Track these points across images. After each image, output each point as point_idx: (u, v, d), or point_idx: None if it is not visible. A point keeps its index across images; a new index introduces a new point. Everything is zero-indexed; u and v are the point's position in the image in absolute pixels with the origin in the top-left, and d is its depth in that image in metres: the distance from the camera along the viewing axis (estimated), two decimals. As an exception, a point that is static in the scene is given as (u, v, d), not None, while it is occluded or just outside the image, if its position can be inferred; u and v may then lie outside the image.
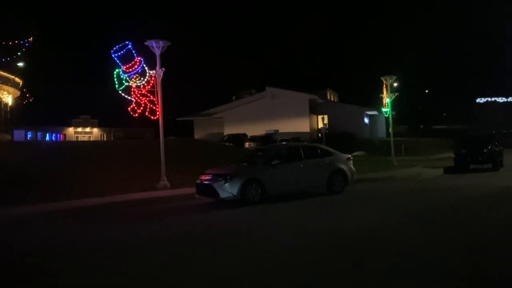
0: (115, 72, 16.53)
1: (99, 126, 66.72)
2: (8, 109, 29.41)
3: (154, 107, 17.14)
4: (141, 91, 16.96)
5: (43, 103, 61.67)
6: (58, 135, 31.39)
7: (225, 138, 44.29)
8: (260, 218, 11.40)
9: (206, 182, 13.58)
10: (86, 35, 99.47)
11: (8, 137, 26.13)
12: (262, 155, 15.16)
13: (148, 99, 17.07)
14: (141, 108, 16.95)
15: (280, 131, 48.54)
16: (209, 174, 13.80)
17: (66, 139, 57.34)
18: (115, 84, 16.58)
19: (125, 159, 21.61)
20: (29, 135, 26.81)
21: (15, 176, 16.54)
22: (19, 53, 18.70)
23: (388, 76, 29.35)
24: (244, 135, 44.84)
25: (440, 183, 17.81)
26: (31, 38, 18.55)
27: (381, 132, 57.43)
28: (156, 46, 17.06)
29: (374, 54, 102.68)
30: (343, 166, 15.26)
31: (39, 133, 27.96)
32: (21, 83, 29.61)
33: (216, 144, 34.79)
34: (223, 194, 13.15)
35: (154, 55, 17.12)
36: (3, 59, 18.51)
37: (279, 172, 13.93)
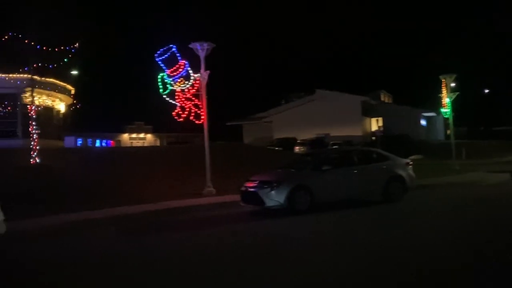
0: (159, 76, 16.12)
1: (152, 132, 67.94)
2: (61, 116, 29.99)
3: (199, 111, 16.59)
4: (186, 95, 16.45)
5: (96, 110, 62.96)
6: (108, 141, 31.68)
7: (274, 143, 43.56)
8: (309, 229, 10.47)
9: (251, 189, 12.78)
10: (132, 39, 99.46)
11: (60, 143, 26.58)
12: (311, 160, 14.23)
13: (192, 103, 16.54)
14: (186, 112, 16.43)
15: (331, 135, 47.25)
16: (254, 180, 12.99)
17: (121, 145, 58.79)
18: (159, 88, 16.16)
19: (172, 164, 21.27)
20: (79, 142, 27.14)
21: (62, 183, 16.47)
22: (65, 60, 18.70)
23: (447, 75, 27.60)
24: (294, 139, 43.89)
25: (509, 190, 16.14)
26: (77, 44, 18.51)
27: (439, 134, 54.82)
28: (201, 49, 16.52)
29: (430, 52, 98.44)
30: (401, 172, 14.00)
31: (89, 139, 28.31)
32: (73, 91, 30.13)
33: (265, 148, 34.05)
34: (269, 203, 12.31)
35: (199, 57, 16.60)
36: (50, 66, 18.55)
37: (330, 178, 12.91)
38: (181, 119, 16.35)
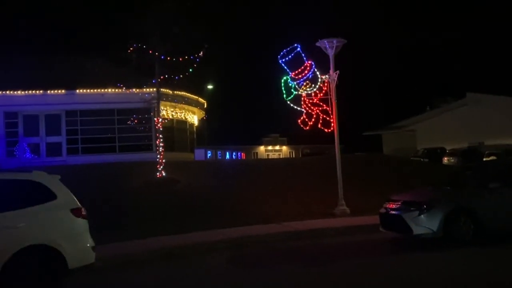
0: (282, 80, 14.36)
1: (288, 143, 67.65)
2: (194, 129, 30.15)
3: (328, 118, 14.44)
4: (313, 100, 14.45)
5: (228, 122, 63.31)
6: (239, 153, 31.06)
7: (418, 153, 39.56)
8: (480, 271, 7.59)
9: (394, 212, 10.19)
10: (257, 43, 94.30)
11: (192, 156, 26.51)
12: (473, 175, 11.12)
13: (320, 108, 14.46)
14: (313, 119, 14.41)
15: (485, 143, 41.43)
16: (397, 200, 10.36)
17: (257, 157, 59.31)
18: (283, 93, 14.40)
19: (303, 178, 19.37)
20: (209, 154, 26.82)
21: (183, 198, 15.62)
22: (190, 70, 17.99)
23: None
24: (442, 149, 39.27)
25: None
26: (201, 53, 17.68)
27: None
28: (329, 46, 14.45)
29: None
30: None
31: (218, 152, 27.87)
32: (205, 104, 30.14)
33: (408, 160, 30.46)
34: (417, 230, 9.59)
35: (327, 57, 14.55)
36: (176, 77, 17.95)
37: (502, 199, 9.73)
38: (308, 128, 14.38)
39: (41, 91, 23.65)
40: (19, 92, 23.43)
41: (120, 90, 21.56)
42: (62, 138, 24.46)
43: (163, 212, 13.81)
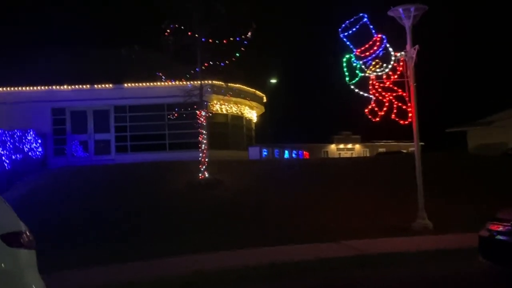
0: (344, 59, 11.46)
1: (361, 142, 64.07)
2: (252, 125, 27.75)
3: (404, 106, 11.37)
4: (384, 83, 11.43)
5: (291, 117, 59.17)
6: (300, 152, 28.19)
7: (510, 152, 34.75)
8: None
9: (501, 237, 7.01)
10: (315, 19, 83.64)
11: (246, 154, 24.13)
12: None
13: (394, 94, 11.40)
14: (384, 108, 11.38)
15: None
16: (507, 220, 7.14)
17: (328, 156, 56.19)
18: (345, 76, 11.48)
19: (372, 181, 16.29)
20: (264, 153, 24.32)
21: (221, 205, 13.33)
22: (237, 54, 15.46)
23: None
24: (539, 147, 34.13)
25: None
26: (249, 34, 15.12)
27: None
28: (405, 16, 11.44)
29: None
30: None
31: (276, 150, 25.27)
32: (264, 98, 27.68)
33: (500, 159, 26.07)
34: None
35: (401, 31, 11.52)
36: (222, 64, 15.48)
37: None
38: (378, 119, 11.38)
39: (88, 86, 22.21)
40: (65, 87, 22.13)
41: (170, 83, 19.49)
42: (110, 135, 22.92)
43: (193, 221, 11.66)
